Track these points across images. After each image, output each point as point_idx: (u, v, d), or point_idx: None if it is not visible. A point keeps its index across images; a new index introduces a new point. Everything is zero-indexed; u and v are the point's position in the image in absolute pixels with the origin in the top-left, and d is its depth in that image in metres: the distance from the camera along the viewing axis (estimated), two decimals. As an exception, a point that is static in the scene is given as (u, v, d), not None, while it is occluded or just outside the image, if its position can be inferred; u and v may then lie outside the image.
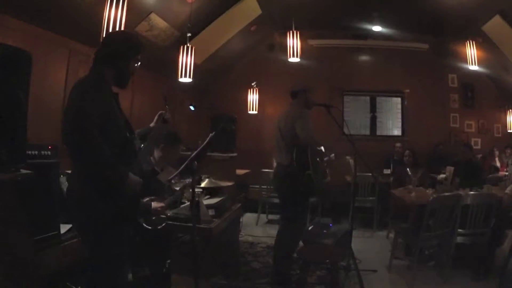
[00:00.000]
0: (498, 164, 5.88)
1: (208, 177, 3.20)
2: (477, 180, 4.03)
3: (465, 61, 5.41)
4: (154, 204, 2.44)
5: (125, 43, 1.78)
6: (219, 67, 6.42)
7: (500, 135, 6.51)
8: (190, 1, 4.05)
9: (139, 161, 1.80)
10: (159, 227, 2.41)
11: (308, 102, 3.20)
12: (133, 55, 1.80)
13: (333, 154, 3.67)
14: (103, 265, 1.68)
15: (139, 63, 1.85)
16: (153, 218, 2.44)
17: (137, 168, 1.80)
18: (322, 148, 3.26)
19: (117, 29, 2.78)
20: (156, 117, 2.44)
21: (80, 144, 1.51)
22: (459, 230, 3.20)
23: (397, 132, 6.84)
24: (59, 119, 1.57)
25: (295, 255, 3.04)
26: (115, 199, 1.61)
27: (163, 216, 2.49)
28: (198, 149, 2.20)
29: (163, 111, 2.46)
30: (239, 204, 3.37)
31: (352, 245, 3.31)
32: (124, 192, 1.62)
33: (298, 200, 3.13)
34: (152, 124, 2.42)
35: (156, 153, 2.80)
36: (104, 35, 2.70)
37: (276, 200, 5.09)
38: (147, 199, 2.46)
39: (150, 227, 2.38)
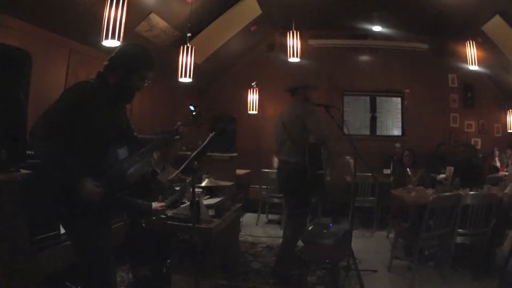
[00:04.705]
0: (498, 164, 5.88)
1: (208, 177, 3.20)
2: (477, 180, 4.03)
3: (465, 61, 5.40)
4: (154, 205, 2.44)
5: (136, 58, 1.77)
6: (219, 67, 6.42)
7: (500, 135, 6.49)
8: (190, 1, 4.05)
9: (120, 171, 1.72)
10: (159, 229, 2.41)
11: (307, 98, 3.23)
12: (142, 71, 1.79)
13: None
14: (83, 261, 1.71)
15: (149, 81, 1.84)
16: (154, 218, 2.45)
17: (113, 179, 1.69)
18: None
19: (117, 29, 2.77)
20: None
21: (32, 144, 1.66)
22: (459, 230, 3.20)
23: (397, 132, 6.83)
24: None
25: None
26: (72, 200, 1.59)
27: (164, 216, 2.49)
28: (198, 149, 2.20)
29: (180, 123, 2.15)
30: (239, 204, 3.38)
31: (352, 245, 3.30)
32: (79, 197, 1.57)
33: (306, 198, 3.16)
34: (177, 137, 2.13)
35: (155, 154, 2.80)
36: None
37: (277, 200, 5.12)
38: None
39: (150, 229, 2.38)
